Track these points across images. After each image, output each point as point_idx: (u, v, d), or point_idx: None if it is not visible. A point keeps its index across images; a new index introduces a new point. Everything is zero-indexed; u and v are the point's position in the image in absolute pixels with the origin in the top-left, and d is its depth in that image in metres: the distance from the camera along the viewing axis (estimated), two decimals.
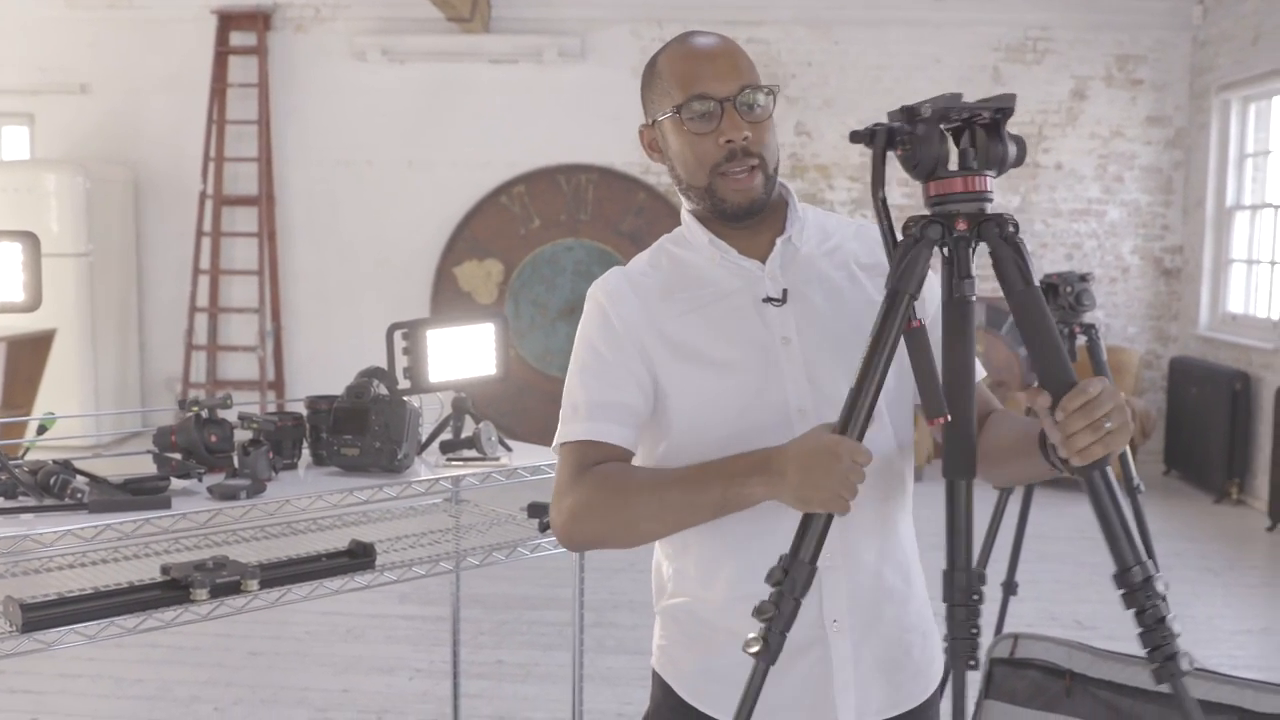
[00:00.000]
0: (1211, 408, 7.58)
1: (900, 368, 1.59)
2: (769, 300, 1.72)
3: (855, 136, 1.56)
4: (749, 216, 1.73)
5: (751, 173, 1.69)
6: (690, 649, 1.80)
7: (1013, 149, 1.56)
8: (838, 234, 1.82)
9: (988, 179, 1.55)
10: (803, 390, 1.70)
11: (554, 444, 1.78)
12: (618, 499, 1.66)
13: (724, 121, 1.67)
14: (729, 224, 1.74)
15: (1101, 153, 8.55)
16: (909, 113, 1.51)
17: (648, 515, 1.66)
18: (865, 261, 1.78)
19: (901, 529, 1.79)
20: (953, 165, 1.53)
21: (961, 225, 1.53)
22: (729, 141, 1.67)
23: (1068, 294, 4.20)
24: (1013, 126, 1.62)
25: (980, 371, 1.79)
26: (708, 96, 1.67)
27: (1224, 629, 5.17)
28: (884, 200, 1.54)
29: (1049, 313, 1.55)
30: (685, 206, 1.82)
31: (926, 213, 1.55)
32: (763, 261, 1.75)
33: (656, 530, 1.70)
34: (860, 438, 1.51)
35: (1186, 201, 8.50)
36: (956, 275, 1.52)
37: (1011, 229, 1.56)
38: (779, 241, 1.75)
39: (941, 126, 1.52)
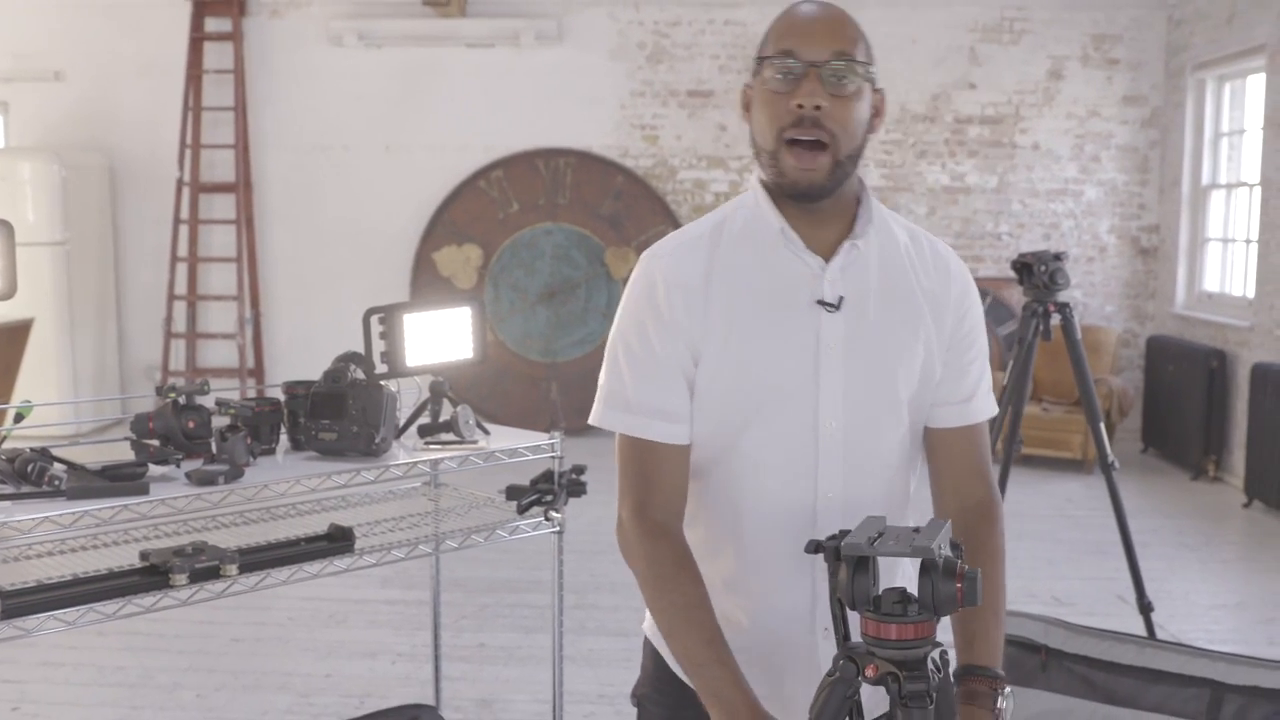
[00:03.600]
0: (1188, 385, 7.64)
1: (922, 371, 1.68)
2: (823, 304, 1.67)
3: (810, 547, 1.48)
4: (807, 199, 1.65)
5: (817, 151, 1.61)
6: None
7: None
8: (896, 240, 1.75)
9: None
10: (835, 403, 1.68)
11: (601, 420, 1.72)
12: (651, 592, 1.66)
13: (803, 84, 1.60)
14: (791, 201, 1.67)
15: (1078, 132, 8.58)
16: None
17: (660, 624, 1.67)
18: (925, 284, 1.73)
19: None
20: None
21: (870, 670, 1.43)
22: (799, 105, 1.60)
23: (1042, 273, 4.23)
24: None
25: (985, 413, 1.78)
26: (795, 55, 1.61)
27: (1200, 604, 5.22)
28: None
29: None
30: (757, 181, 1.74)
31: None
32: (826, 259, 1.69)
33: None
34: None
35: (1163, 180, 8.55)
36: None
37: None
38: (845, 245, 1.69)
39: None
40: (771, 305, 1.68)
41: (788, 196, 1.67)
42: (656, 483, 1.69)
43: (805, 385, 1.67)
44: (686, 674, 1.62)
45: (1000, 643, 1.65)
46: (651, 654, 1.86)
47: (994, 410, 1.80)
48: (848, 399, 1.68)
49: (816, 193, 1.64)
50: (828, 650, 1.70)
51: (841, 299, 1.67)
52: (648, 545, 1.67)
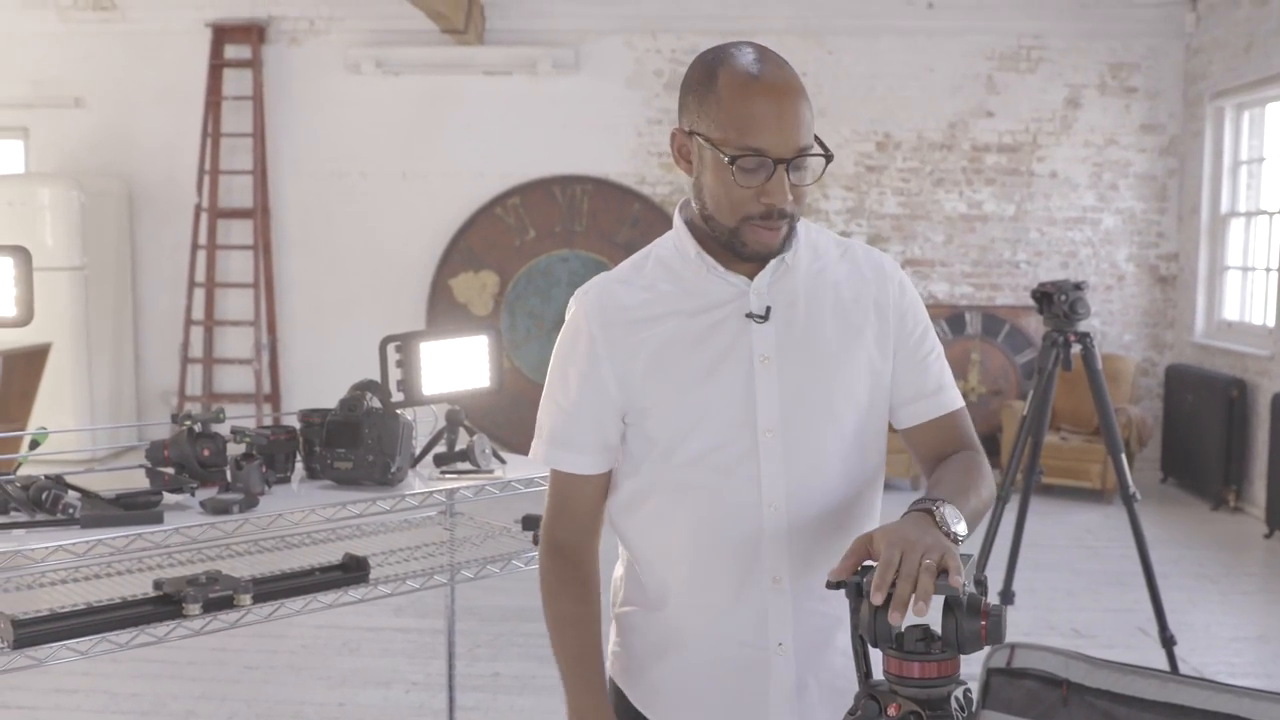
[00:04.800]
0: (1208, 415, 7.58)
1: (871, 387, 1.70)
2: (752, 316, 1.69)
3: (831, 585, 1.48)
4: (763, 261, 1.69)
5: (777, 232, 1.65)
6: (643, 656, 1.83)
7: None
8: (826, 255, 1.77)
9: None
10: (772, 410, 1.68)
11: (531, 452, 1.82)
12: (544, 603, 1.84)
13: (771, 181, 1.59)
14: (740, 260, 1.69)
15: (1096, 160, 8.55)
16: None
17: (549, 633, 1.86)
18: (862, 290, 1.74)
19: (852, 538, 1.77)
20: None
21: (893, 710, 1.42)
22: (770, 204, 1.61)
23: (1062, 302, 4.20)
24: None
25: (957, 402, 1.79)
26: (764, 154, 1.57)
27: (1221, 636, 5.16)
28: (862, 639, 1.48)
29: None
30: (679, 214, 1.77)
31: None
32: (750, 278, 1.70)
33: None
34: None
35: (1181, 209, 8.51)
36: None
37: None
38: (773, 261, 1.70)
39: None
40: (703, 327, 1.70)
41: (741, 258, 1.68)
42: (566, 507, 1.81)
43: (744, 398, 1.68)
44: (562, 680, 1.81)
45: (964, 505, 1.58)
46: (614, 690, 1.87)
47: (961, 401, 1.80)
48: (784, 405, 1.68)
49: (772, 255, 1.69)
50: (781, 666, 1.69)
51: (769, 309, 1.69)
52: (545, 561, 1.83)
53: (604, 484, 1.80)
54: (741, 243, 1.65)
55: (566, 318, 1.80)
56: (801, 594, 1.70)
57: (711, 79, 1.62)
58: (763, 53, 1.63)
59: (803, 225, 1.75)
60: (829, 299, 1.73)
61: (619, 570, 1.90)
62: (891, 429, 1.81)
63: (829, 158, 1.62)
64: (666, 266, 1.76)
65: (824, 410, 1.70)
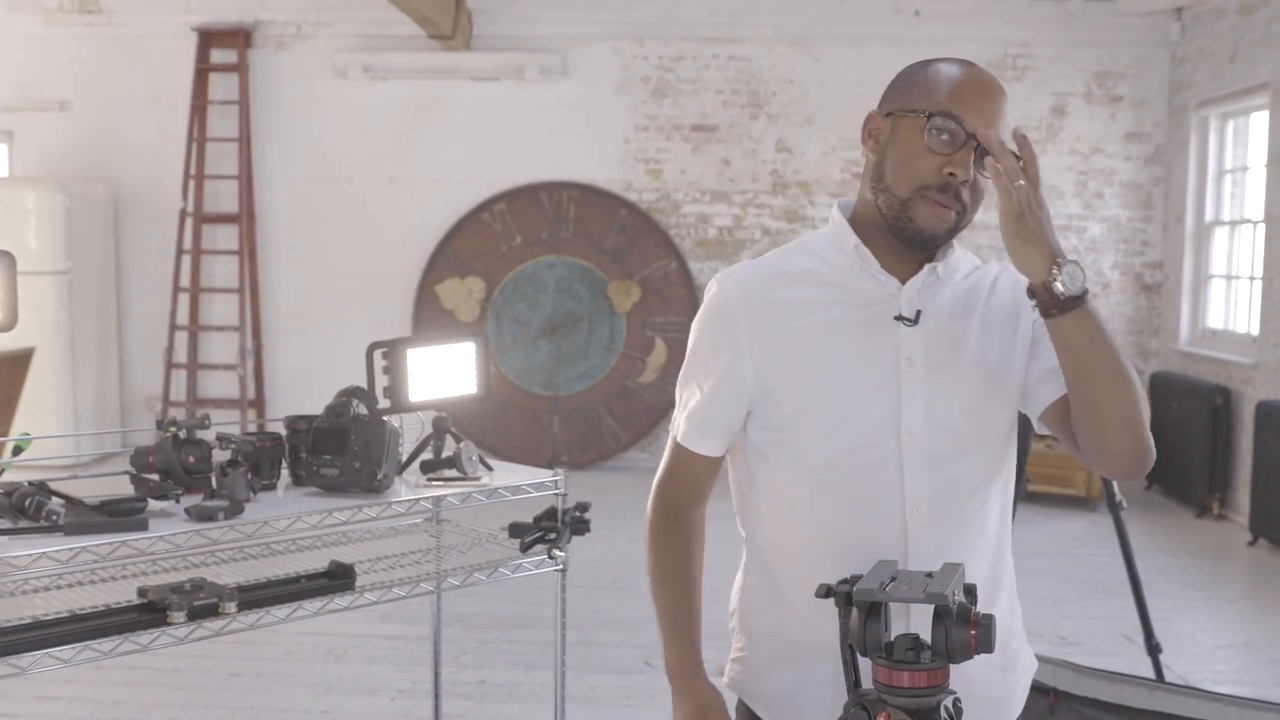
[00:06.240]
0: (1192, 423, 7.60)
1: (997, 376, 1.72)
2: (901, 319, 1.71)
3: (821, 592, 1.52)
4: (922, 247, 1.71)
5: (949, 211, 1.67)
6: (768, 661, 1.83)
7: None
8: (976, 274, 1.80)
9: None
10: (916, 412, 1.70)
11: (673, 427, 1.90)
12: (648, 554, 1.92)
13: (959, 153, 1.64)
14: (895, 239, 1.71)
15: (1082, 169, 8.59)
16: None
17: (650, 583, 1.92)
18: (1000, 297, 1.77)
19: (984, 548, 1.76)
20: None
21: None
22: (952, 174, 1.64)
23: None
24: None
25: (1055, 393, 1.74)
26: (961, 123, 1.63)
27: (1206, 644, 5.18)
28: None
29: None
30: (839, 208, 1.79)
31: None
32: (902, 282, 1.73)
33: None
34: None
35: (1166, 217, 8.54)
36: None
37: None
38: (927, 266, 1.73)
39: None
40: (850, 324, 1.72)
41: (902, 238, 1.70)
42: (680, 474, 1.89)
43: (885, 399, 1.70)
44: (660, 634, 1.89)
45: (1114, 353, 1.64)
46: (743, 711, 1.88)
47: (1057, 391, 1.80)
48: (928, 409, 1.70)
49: (936, 243, 1.71)
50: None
51: (919, 313, 1.71)
52: (653, 516, 1.91)
53: (720, 462, 1.87)
54: (910, 218, 1.68)
55: (706, 298, 1.83)
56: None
57: (925, 66, 1.71)
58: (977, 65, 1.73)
59: (958, 245, 1.79)
60: (976, 310, 1.75)
61: (739, 580, 1.92)
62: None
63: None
64: (820, 259, 1.77)
65: (966, 416, 1.72)
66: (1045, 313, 1.59)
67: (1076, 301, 1.57)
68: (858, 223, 1.76)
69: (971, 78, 1.68)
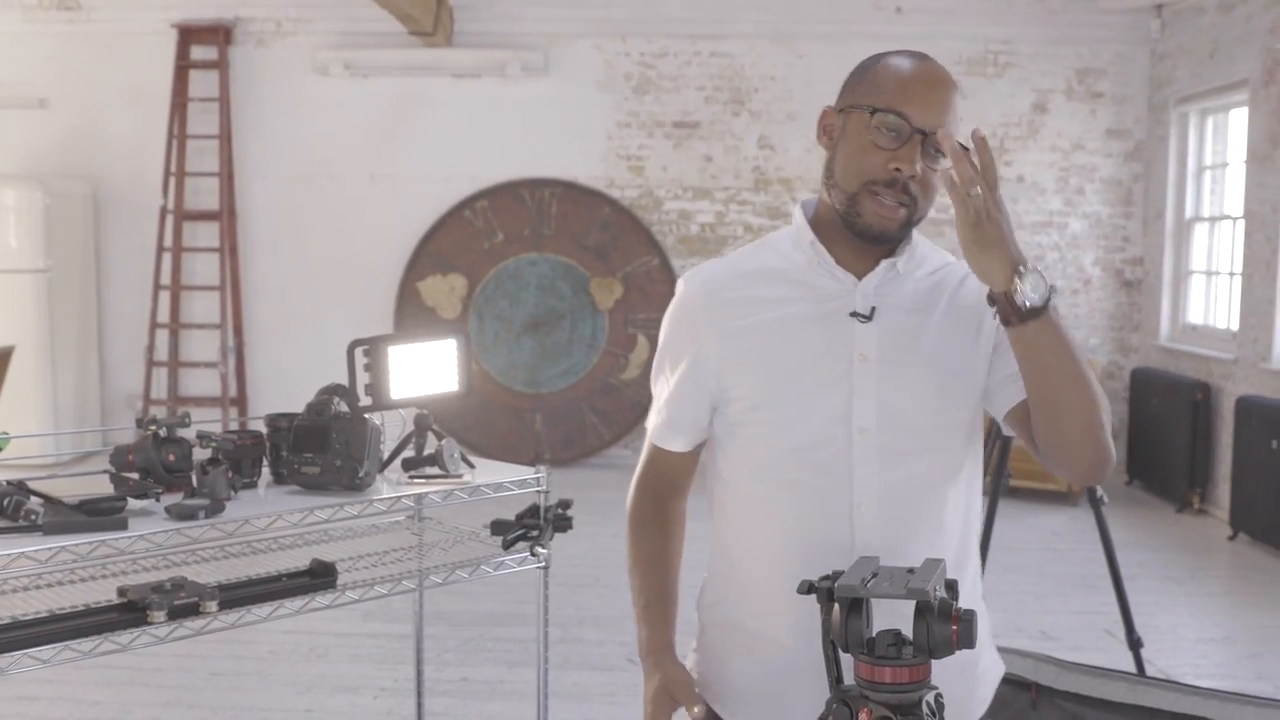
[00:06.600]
0: (1173, 418, 7.64)
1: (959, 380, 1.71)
2: (856, 315, 1.71)
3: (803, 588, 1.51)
4: (875, 241, 1.71)
5: (899, 208, 1.67)
6: (723, 654, 1.84)
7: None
8: (944, 270, 1.79)
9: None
10: (868, 409, 1.69)
11: (649, 424, 1.95)
12: (630, 545, 1.94)
13: (904, 148, 1.64)
14: (850, 235, 1.71)
15: (1062, 165, 8.61)
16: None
17: (630, 578, 1.94)
18: (956, 302, 1.75)
19: (943, 546, 1.75)
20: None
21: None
22: (897, 169, 1.64)
23: None
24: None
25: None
26: (906, 118, 1.64)
27: (1187, 638, 5.20)
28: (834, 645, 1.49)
29: None
30: (801, 206, 1.80)
31: None
32: (859, 278, 1.73)
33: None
34: None
35: (1146, 213, 8.58)
36: None
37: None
38: (885, 262, 1.73)
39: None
40: (804, 320, 1.73)
41: (854, 233, 1.70)
42: (657, 469, 1.93)
43: (838, 395, 1.70)
44: (636, 619, 1.90)
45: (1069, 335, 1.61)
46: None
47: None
48: (881, 405, 1.70)
49: (886, 240, 1.71)
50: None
51: (874, 309, 1.71)
52: (633, 504, 1.94)
53: (696, 456, 1.91)
54: (858, 213, 1.68)
55: (675, 298, 1.86)
56: None
57: (876, 61, 1.74)
58: (930, 57, 1.76)
59: (918, 237, 1.78)
60: (938, 307, 1.75)
61: (707, 572, 1.93)
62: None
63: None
64: (782, 256, 1.79)
65: (921, 412, 1.72)
66: (1006, 321, 1.57)
67: (1038, 311, 1.55)
68: (819, 219, 1.77)
69: (919, 71, 1.68)
